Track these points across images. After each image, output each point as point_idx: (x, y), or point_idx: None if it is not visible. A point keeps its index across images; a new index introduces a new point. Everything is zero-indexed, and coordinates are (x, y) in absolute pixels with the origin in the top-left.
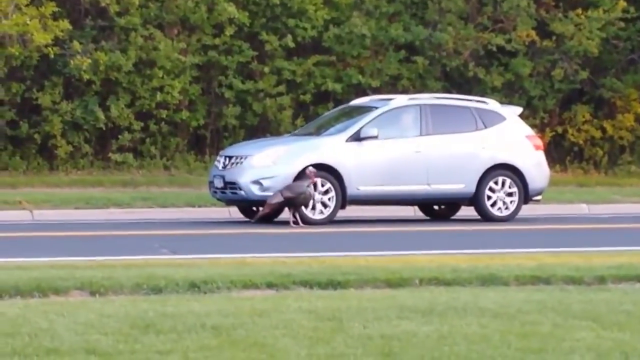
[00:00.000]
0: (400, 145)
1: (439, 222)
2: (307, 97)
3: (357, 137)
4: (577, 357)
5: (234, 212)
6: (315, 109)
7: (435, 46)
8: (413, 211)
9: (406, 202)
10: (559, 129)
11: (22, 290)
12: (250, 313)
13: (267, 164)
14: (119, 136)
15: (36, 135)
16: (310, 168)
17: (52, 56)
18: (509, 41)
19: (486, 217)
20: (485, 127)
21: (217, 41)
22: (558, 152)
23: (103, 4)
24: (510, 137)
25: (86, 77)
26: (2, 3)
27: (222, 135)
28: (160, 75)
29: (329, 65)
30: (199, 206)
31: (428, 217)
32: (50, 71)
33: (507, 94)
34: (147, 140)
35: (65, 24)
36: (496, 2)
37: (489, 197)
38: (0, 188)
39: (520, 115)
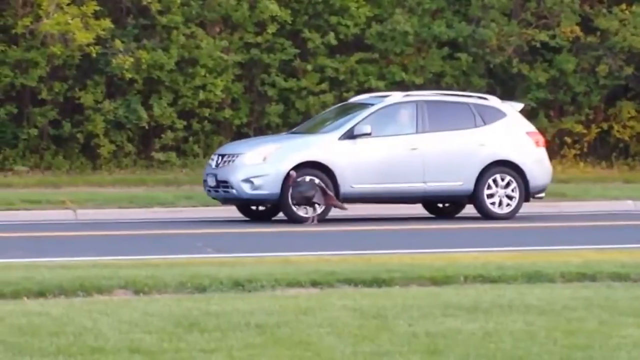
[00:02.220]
0: (395, 142)
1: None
2: (350, 95)
3: (350, 135)
4: (624, 354)
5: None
6: None
7: (478, 43)
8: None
9: (402, 200)
10: (604, 125)
11: (66, 289)
12: (294, 311)
13: (259, 162)
14: (162, 135)
15: (79, 135)
16: (291, 172)
17: (94, 55)
18: (553, 37)
19: (486, 214)
20: (485, 124)
21: (259, 39)
22: (603, 149)
23: (145, 3)
24: (511, 133)
25: (128, 76)
26: (43, 2)
27: (265, 133)
28: (203, 74)
29: (371, 62)
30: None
31: (432, 215)
32: (92, 70)
33: (551, 90)
34: (190, 138)
35: (107, 23)
36: None
37: (489, 195)
38: (43, 188)
39: (565, 111)
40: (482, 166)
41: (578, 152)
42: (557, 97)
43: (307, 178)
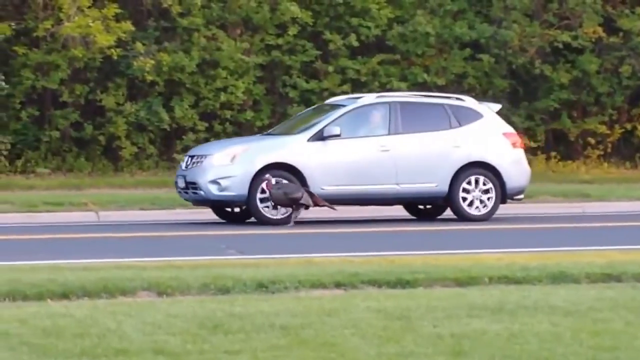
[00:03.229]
0: (366, 144)
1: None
2: None
3: (320, 136)
4: None
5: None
6: None
7: (500, 44)
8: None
9: (374, 202)
10: (628, 126)
11: (89, 291)
12: (318, 312)
13: (226, 164)
14: (184, 137)
15: (101, 137)
16: (268, 176)
17: (115, 58)
18: (575, 38)
19: (461, 216)
20: (460, 125)
21: (280, 41)
22: (627, 149)
23: (165, 5)
24: (487, 134)
25: (149, 78)
26: (64, 5)
27: None
28: (224, 76)
29: (393, 63)
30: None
31: (414, 217)
32: (113, 73)
33: (574, 91)
34: (212, 140)
35: (127, 26)
36: None
37: (464, 197)
38: (65, 190)
39: (589, 112)
40: (457, 167)
41: (602, 152)
42: (580, 97)
43: (273, 180)
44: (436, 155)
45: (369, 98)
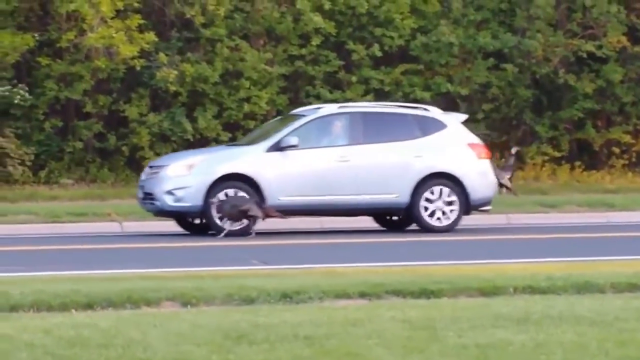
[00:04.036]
0: (325, 154)
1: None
2: None
3: (278, 147)
4: None
5: (325, 222)
6: None
7: (524, 53)
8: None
9: (334, 213)
10: None
11: (114, 301)
12: (343, 323)
13: (182, 174)
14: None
15: (124, 148)
16: (216, 198)
17: (138, 68)
18: (599, 47)
19: (423, 227)
20: (423, 135)
21: (303, 51)
22: None
23: (188, 16)
24: (450, 145)
25: (173, 88)
26: (88, 16)
27: None
28: (247, 86)
29: (416, 73)
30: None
31: (384, 228)
32: (136, 83)
33: (598, 101)
34: None
35: (151, 36)
36: (586, 8)
37: (426, 207)
38: (89, 200)
39: (613, 122)
40: (419, 178)
41: (626, 162)
42: (604, 107)
43: (231, 191)
44: (397, 166)
45: (330, 108)
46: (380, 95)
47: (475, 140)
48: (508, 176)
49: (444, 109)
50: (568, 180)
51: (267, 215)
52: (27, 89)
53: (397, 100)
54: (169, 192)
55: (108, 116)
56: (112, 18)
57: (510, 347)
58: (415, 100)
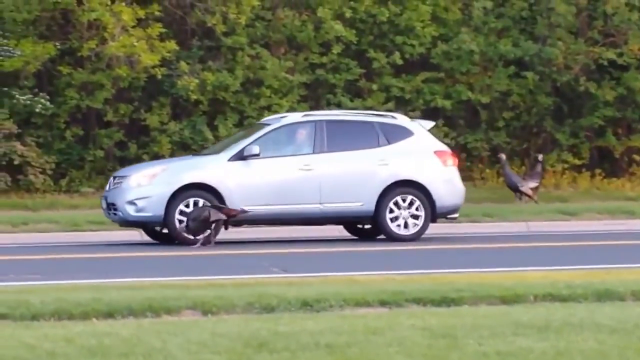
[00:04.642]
0: (289, 163)
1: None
2: (417, 114)
3: (240, 156)
4: None
5: (345, 231)
6: None
7: (545, 61)
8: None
9: (297, 222)
10: None
11: (134, 310)
12: (363, 331)
13: (143, 184)
14: None
15: (145, 156)
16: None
17: (159, 77)
18: (620, 55)
19: (389, 236)
20: (389, 143)
21: (324, 59)
22: None
23: (209, 24)
24: (416, 152)
25: (194, 97)
26: (109, 25)
27: None
28: (268, 95)
29: (437, 81)
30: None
31: (355, 237)
32: (157, 92)
33: (619, 108)
34: None
35: (172, 45)
36: (607, 16)
37: (392, 216)
38: None
39: (634, 129)
40: (384, 186)
41: None
42: (625, 115)
43: (190, 200)
44: (362, 174)
45: (294, 117)
46: (401, 103)
47: (443, 147)
48: (535, 184)
49: (464, 117)
50: (588, 187)
51: (229, 215)
52: (48, 97)
53: (418, 109)
54: (131, 202)
55: (129, 125)
56: (133, 27)
57: (531, 355)
58: (436, 108)
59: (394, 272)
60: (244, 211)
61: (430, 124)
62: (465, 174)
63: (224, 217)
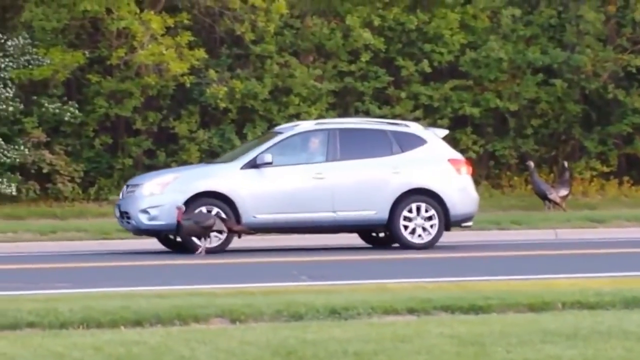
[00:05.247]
0: (301, 171)
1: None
2: (445, 122)
3: (253, 164)
4: None
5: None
6: (453, 134)
7: (573, 69)
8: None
9: (311, 230)
10: None
11: (162, 318)
12: (392, 339)
13: (156, 193)
14: None
15: (173, 164)
16: (179, 206)
17: (188, 85)
18: None
19: (403, 244)
20: (402, 151)
21: (353, 67)
22: None
23: (238, 33)
24: (430, 160)
25: (222, 105)
26: (138, 34)
27: None
28: (297, 102)
29: (466, 89)
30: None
31: (370, 245)
32: (186, 100)
33: None
34: None
35: (201, 53)
36: (635, 23)
37: (406, 224)
38: None
39: None
40: (397, 194)
41: None
42: None
43: (203, 209)
44: (375, 182)
45: (306, 125)
46: (429, 110)
47: (456, 155)
48: (565, 192)
49: (493, 125)
50: (616, 195)
51: (230, 230)
52: (77, 106)
53: (446, 117)
54: (144, 211)
55: (158, 133)
56: (162, 35)
57: None
58: (464, 116)
59: (423, 279)
60: (247, 231)
61: (444, 132)
62: (494, 182)
63: (225, 229)
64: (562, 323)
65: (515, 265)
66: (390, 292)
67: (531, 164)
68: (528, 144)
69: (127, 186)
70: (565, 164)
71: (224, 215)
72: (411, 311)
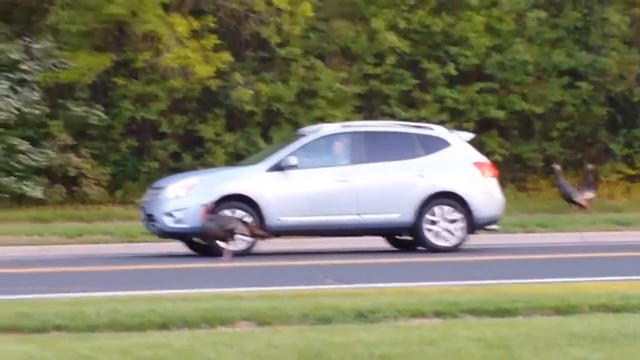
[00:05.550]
0: (325, 174)
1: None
2: (471, 125)
3: (278, 167)
4: None
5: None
6: (479, 137)
7: (599, 71)
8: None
9: (335, 233)
10: None
11: (189, 321)
12: (418, 342)
13: (181, 195)
14: None
15: (199, 167)
16: (206, 203)
17: (214, 88)
18: None
19: (427, 247)
20: (426, 154)
21: (378, 70)
22: None
23: (264, 36)
24: (454, 163)
25: (248, 108)
26: (164, 37)
27: None
28: (322, 105)
29: (491, 92)
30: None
31: (395, 248)
32: (212, 103)
33: None
34: None
35: (226, 56)
36: None
37: (430, 227)
38: None
39: None
40: (422, 197)
41: None
42: None
43: (227, 211)
44: (399, 185)
45: (332, 128)
46: (455, 113)
47: (481, 158)
48: (591, 195)
49: (518, 128)
50: None
51: (252, 234)
52: (103, 109)
53: (472, 120)
54: (168, 214)
55: (184, 136)
56: (187, 38)
57: None
58: (490, 119)
59: (449, 282)
60: (268, 236)
61: (470, 135)
62: (519, 185)
63: (248, 235)
64: (588, 326)
65: (541, 268)
66: (416, 295)
67: (557, 166)
68: (554, 147)
69: (152, 188)
70: (591, 166)
71: (248, 218)
72: (438, 314)
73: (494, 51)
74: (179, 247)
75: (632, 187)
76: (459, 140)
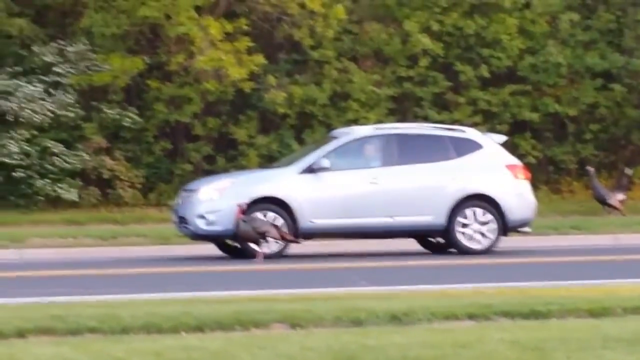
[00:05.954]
0: (358, 176)
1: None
2: (504, 127)
3: (310, 169)
4: None
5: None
6: (512, 139)
7: (632, 73)
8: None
9: (367, 235)
10: None
11: (223, 323)
12: (452, 344)
13: (213, 198)
14: None
15: (233, 170)
16: (241, 202)
17: (247, 91)
18: None
19: (460, 249)
20: (458, 156)
21: (411, 72)
22: None
23: (297, 38)
24: (486, 166)
25: (281, 110)
26: (197, 39)
27: None
28: (355, 108)
29: (524, 94)
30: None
31: (428, 251)
32: (245, 105)
33: None
34: None
35: (259, 59)
36: None
37: (463, 230)
38: None
39: None
40: (454, 200)
41: None
42: None
43: (259, 214)
44: (432, 187)
45: (364, 130)
46: (488, 116)
47: (514, 161)
48: (623, 197)
49: (551, 130)
50: None
51: (283, 238)
52: (137, 111)
53: (505, 122)
54: (201, 216)
55: (217, 138)
56: (221, 41)
57: None
58: (523, 122)
59: (482, 285)
60: (297, 241)
61: (502, 138)
62: (553, 187)
63: (279, 238)
64: (622, 329)
65: (575, 270)
66: (450, 298)
67: (591, 169)
68: (587, 149)
69: (185, 190)
70: (628, 170)
71: (280, 221)
72: (471, 317)
73: (527, 53)
74: (212, 249)
75: None
76: (492, 143)
